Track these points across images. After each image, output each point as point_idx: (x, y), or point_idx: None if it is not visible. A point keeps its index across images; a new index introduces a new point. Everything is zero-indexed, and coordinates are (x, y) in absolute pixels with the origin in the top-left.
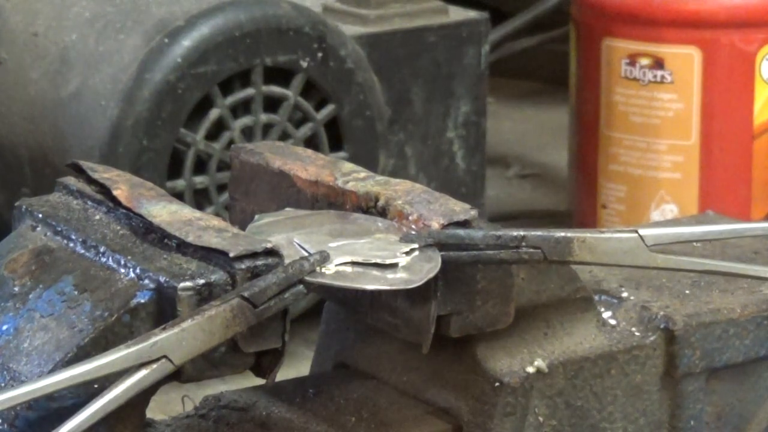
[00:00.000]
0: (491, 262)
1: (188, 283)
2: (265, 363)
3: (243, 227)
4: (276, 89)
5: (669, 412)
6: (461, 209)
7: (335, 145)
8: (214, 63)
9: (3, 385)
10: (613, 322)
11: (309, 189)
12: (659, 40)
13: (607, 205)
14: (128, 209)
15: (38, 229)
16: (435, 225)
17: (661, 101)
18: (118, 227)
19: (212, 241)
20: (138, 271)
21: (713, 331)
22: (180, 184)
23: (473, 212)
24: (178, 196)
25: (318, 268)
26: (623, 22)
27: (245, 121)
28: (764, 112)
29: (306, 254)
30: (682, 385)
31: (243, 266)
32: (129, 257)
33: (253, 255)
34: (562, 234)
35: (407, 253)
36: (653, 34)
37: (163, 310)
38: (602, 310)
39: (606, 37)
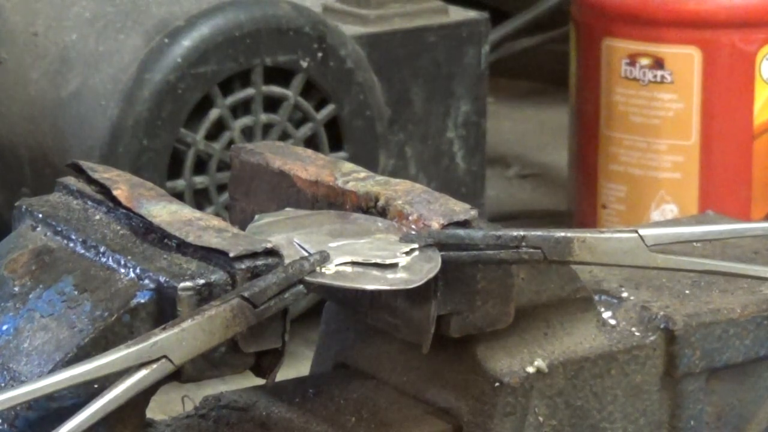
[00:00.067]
0: (491, 262)
1: (188, 283)
2: (265, 363)
3: (243, 227)
4: (276, 89)
5: (669, 412)
6: (461, 209)
7: (335, 145)
8: (214, 63)
9: (3, 385)
10: (613, 322)
11: (309, 189)
12: (659, 40)
13: (607, 205)
14: (128, 209)
15: (38, 229)
16: (435, 225)
17: (661, 101)
18: (118, 227)
19: (212, 241)
20: (138, 271)
21: (713, 331)
22: (180, 184)
23: (473, 212)
24: (178, 196)
25: (318, 268)
26: (623, 22)
27: (245, 121)
28: (764, 112)
29: (306, 254)
30: (682, 385)
31: (243, 266)
32: (129, 257)
33: (253, 255)
34: (562, 234)
35: (407, 253)
36: (653, 34)
37: (163, 310)
38: (602, 310)
39: (606, 37)
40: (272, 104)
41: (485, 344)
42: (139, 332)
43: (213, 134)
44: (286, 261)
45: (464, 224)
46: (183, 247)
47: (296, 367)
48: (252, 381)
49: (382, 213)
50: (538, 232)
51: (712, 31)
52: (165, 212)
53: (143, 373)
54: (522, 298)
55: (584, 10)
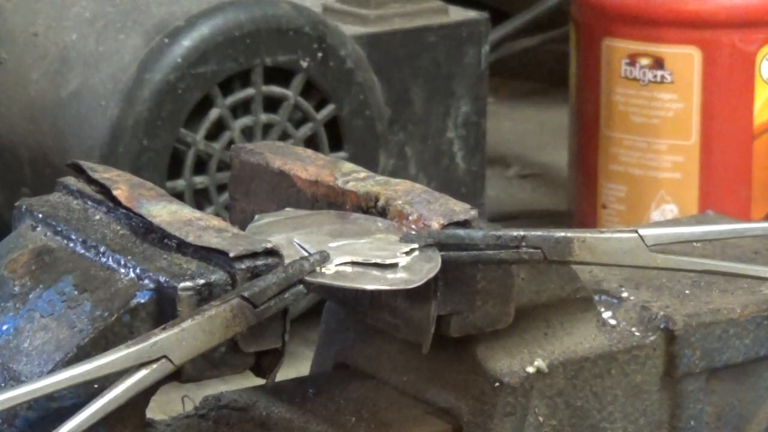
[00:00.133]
0: (491, 262)
1: (188, 283)
2: (265, 363)
3: (243, 227)
4: (276, 89)
5: (669, 412)
6: (461, 209)
7: (335, 145)
8: (214, 63)
9: (3, 385)
10: (613, 322)
11: (309, 189)
12: (659, 40)
13: (607, 205)
14: (128, 209)
15: (38, 229)
16: (435, 225)
17: (661, 101)
18: (118, 227)
19: (212, 241)
20: (138, 271)
21: (713, 331)
22: (180, 184)
23: (473, 212)
24: (178, 196)
25: (318, 268)
26: (623, 22)
27: (245, 121)
28: (764, 112)
29: (306, 254)
30: (682, 385)
31: (243, 266)
32: (129, 257)
33: (253, 255)
34: (562, 234)
35: (407, 253)
36: (653, 34)
37: (163, 310)
38: (602, 310)
39: (606, 37)
40: (272, 104)
41: (485, 344)
42: (139, 332)
43: (213, 134)
44: (286, 261)
45: (464, 224)
46: (183, 247)
47: (296, 367)
48: (252, 381)
49: (382, 213)
50: (538, 232)
51: (712, 31)
52: (165, 212)
53: (143, 373)
54: (522, 298)
55: (584, 10)
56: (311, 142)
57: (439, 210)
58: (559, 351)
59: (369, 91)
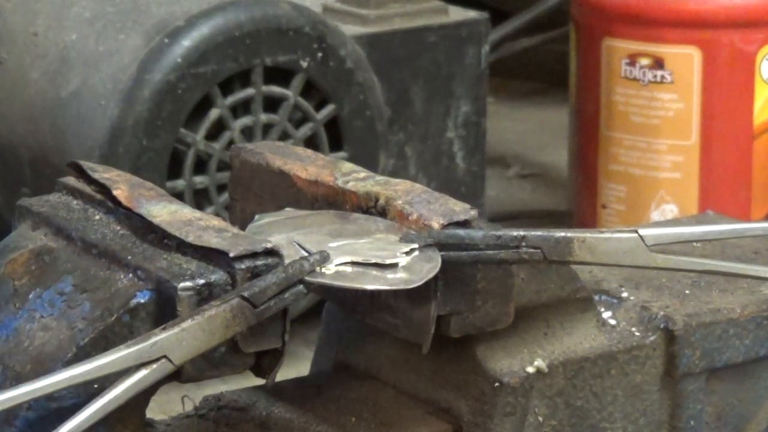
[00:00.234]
0: (491, 262)
1: (188, 283)
2: (265, 363)
3: (243, 227)
4: (276, 89)
5: (669, 412)
6: (461, 209)
7: (335, 145)
8: (214, 63)
9: (3, 385)
10: (613, 322)
11: (309, 189)
12: (659, 40)
13: (607, 205)
14: (128, 209)
15: (38, 229)
16: (435, 225)
17: (661, 101)
18: (118, 227)
19: (212, 241)
20: (138, 271)
21: (713, 331)
22: (180, 184)
23: (473, 212)
24: (178, 196)
25: (318, 268)
26: (623, 22)
27: (245, 121)
28: (764, 112)
29: (306, 254)
30: (682, 385)
31: (243, 266)
32: (129, 257)
33: (253, 255)
34: (562, 234)
35: (407, 253)
36: (653, 34)
37: (163, 310)
38: (602, 310)
39: (606, 37)
40: (272, 104)
41: (485, 344)
42: (139, 332)
43: (213, 134)
44: (286, 261)
45: (464, 224)
46: (183, 247)
47: (296, 367)
48: (252, 381)
49: (382, 213)
50: (538, 232)
51: (712, 31)
52: (165, 212)
53: (143, 373)
54: (522, 298)
55: (584, 10)
56: (311, 142)
57: (439, 210)
58: (559, 351)
59: (369, 91)
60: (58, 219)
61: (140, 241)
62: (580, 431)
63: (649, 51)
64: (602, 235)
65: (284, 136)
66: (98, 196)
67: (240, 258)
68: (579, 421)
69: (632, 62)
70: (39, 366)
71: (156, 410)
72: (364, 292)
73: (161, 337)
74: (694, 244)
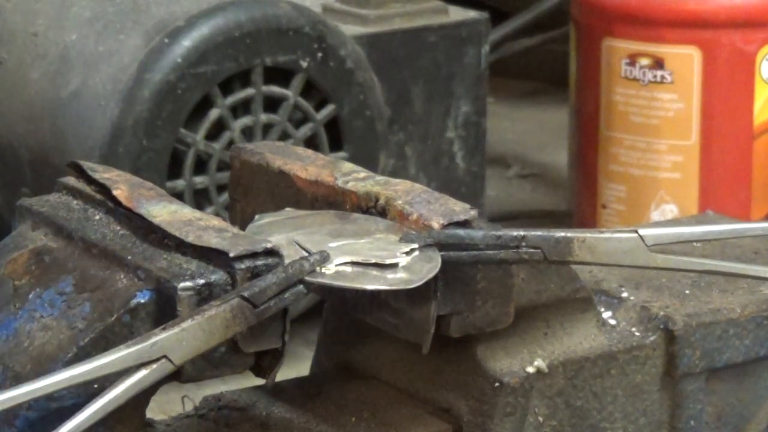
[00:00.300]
0: (491, 262)
1: (188, 283)
2: (265, 363)
3: (243, 227)
4: (276, 89)
5: (669, 412)
6: (461, 209)
7: (335, 145)
8: (214, 63)
9: (3, 385)
10: (613, 322)
11: (309, 189)
12: (659, 40)
13: (607, 205)
14: (128, 209)
15: (38, 229)
16: (435, 225)
17: (661, 101)
18: (118, 227)
19: (212, 241)
20: (138, 271)
21: (713, 331)
22: (180, 184)
23: (473, 212)
24: (178, 196)
25: (318, 268)
26: (623, 22)
27: (245, 121)
28: (764, 112)
29: (306, 254)
30: (682, 385)
31: (243, 266)
32: (129, 257)
33: (253, 255)
34: (562, 234)
35: (407, 253)
36: (653, 34)
37: (163, 310)
38: (602, 310)
39: (606, 37)
40: (272, 104)
41: (485, 344)
42: (139, 332)
43: (213, 134)
44: (286, 261)
45: (464, 224)
46: (183, 247)
47: (296, 367)
48: (252, 381)
49: (382, 213)
50: (538, 232)
51: (712, 31)
52: (165, 212)
53: (143, 373)
54: (522, 298)
55: (584, 10)
56: (311, 142)
57: (439, 210)
58: (559, 351)
59: (369, 91)
60: (58, 219)
61: (140, 241)
62: (580, 431)
63: (649, 51)
64: (602, 235)
65: (284, 136)
66: (98, 196)
67: (240, 258)
68: (579, 421)
69: (632, 62)
70: (39, 366)
71: (156, 410)
72: (364, 292)
73: (161, 337)
74: (694, 244)
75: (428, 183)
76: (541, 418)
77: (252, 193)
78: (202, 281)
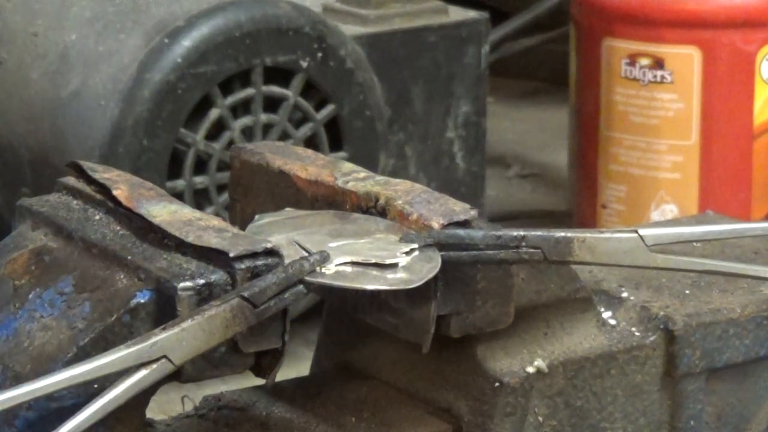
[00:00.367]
0: (491, 262)
1: (188, 283)
2: (265, 363)
3: (243, 227)
4: (276, 89)
5: (669, 412)
6: (461, 209)
7: (335, 145)
8: (214, 63)
9: (3, 385)
10: (613, 322)
11: (309, 189)
12: (659, 40)
13: (607, 205)
14: (128, 209)
15: (38, 229)
16: (435, 225)
17: (661, 101)
18: (118, 227)
19: (212, 241)
20: (138, 271)
21: (713, 331)
22: (180, 184)
23: (473, 212)
24: (178, 196)
25: (318, 268)
26: (623, 22)
27: (245, 121)
28: (764, 112)
29: (306, 254)
30: (682, 385)
31: (243, 266)
32: (129, 257)
33: (253, 255)
34: (562, 234)
35: (407, 253)
36: (653, 34)
37: (163, 310)
38: (602, 310)
39: (606, 37)
40: (272, 104)
41: (485, 344)
42: (139, 332)
43: (213, 134)
44: (286, 261)
45: (464, 224)
46: (183, 247)
47: (296, 367)
48: (252, 381)
49: (382, 213)
50: (538, 232)
51: (712, 31)
52: (165, 212)
53: (143, 373)
54: (522, 298)
55: (584, 10)
56: (311, 142)
57: (439, 210)
58: (559, 351)
59: (369, 91)
60: (58, 219)
61: (140, 241)
62: (580, 431)
63: (649, 51)
64: (602, 235)
65: (284, 136)
66: (98, 196)
67: (240, 258)
68: (579, 421)
69: (632, 62)
70: (39, 366)
71: (156, 410)
72: (364, 292)
73: (161, 337)
74: (694, 244)
75: (428, 183)
76: (541, 418)
77: (252, 193)
78: (202, 281)
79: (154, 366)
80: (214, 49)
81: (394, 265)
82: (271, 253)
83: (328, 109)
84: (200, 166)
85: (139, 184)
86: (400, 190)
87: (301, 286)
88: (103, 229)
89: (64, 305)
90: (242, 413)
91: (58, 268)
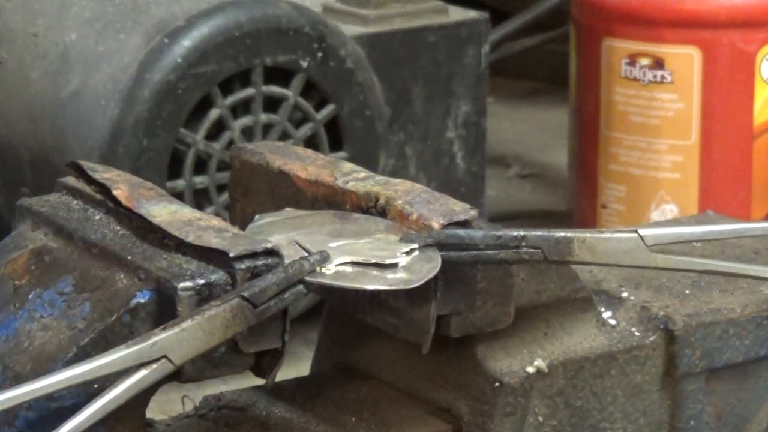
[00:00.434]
0: (491, 262)
1: (188, 283)
2: (265, 363)
3: (243, 227)
4: (276, 89)
5: (669, 412)
6: (461, 209)
7: (335, 145)
8: (214, 63)
9: (3, 384)
10: (613, 322)
11: (309, 189)
12: (659, 40)
13: (607, 205)
14: (128, 209)
15: (38, 229)
16: (435, 225)
17: (661, 101)
18: (118, 227)
19: (212, 241)
20: (138, 271)
21: (713, 331)
22: (180, 184)
23: (473, 212)
24: (178, 196)
25: (318, 268)
26: (623, 22)
27: (245, 121)
28: (764, 112)
29: (306, 254)
30: (682, 385)
31: (243, 266)
32: (129, 257)
33: (253, 255)
34: (562, 234)
35: (407, 253)
36: (653, 34)
37: (163, 310)
38: (602, 310)
39: (606, 37)
40: (272, 104)
41: (485, 344)
42: (139, 332)
43: (213, 134)
44: (286, 261)
45: (464, 224)
46: (183, 247)
47: (296, 367)
48: (252, 381)
49: (382, 213)
50: (538, 232)
51: (712, 31)
52: (165, 212)
53: (143, 373)
54: (522, 298)
55: (584, 10)
56: (311, 142)
57: (439, 210)
58: (559, 351)
59: (369, 91)
60: (58, 219)
61: (140, 241)
62: (580, 431)
63: (649, 51)
64: (602, 235)
65: (284, 136)
66: (98, 196)
67: (240, 258)
68: (579, 421)
69: (632, 62)
70: (39, 366)
71: (156, 410)
72: (364, 292)
73: (161, 337)
74: (694, 244)
75: (428, 183)
76: (541, 418)
77: (252, 193)
78: (202, 281)
79: (154, 366)
80: (214, 49)
81: (394, 265)
82: (271, 253)
83: (328, 109)
84: (200, 166)
85: (139, 184)
86: (400, 190)
87: (301, 286)
88: (103, 229)
89: (64, 305)
90: (242, 413)
91: (58, 268)
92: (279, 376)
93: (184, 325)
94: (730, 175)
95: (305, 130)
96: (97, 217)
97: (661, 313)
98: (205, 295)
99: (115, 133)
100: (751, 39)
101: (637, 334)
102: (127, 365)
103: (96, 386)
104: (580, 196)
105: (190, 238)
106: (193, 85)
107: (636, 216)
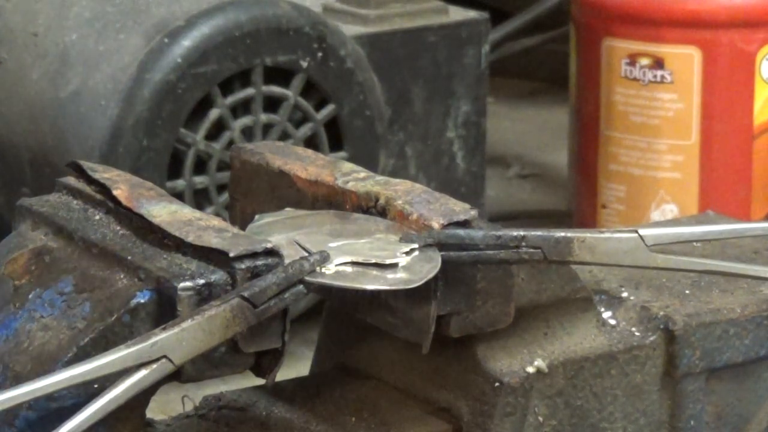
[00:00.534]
0: (491, 262)
1: (188, 283)
2: (265, 363)
3: (243, 227)
4: (276, 89)
5: (669, 412)
6: (461, 209)
7: (335, 145)
8: (214, 63)
9: (3, 384)
10: (613, 322)
11: (309, 189)
12: (659, 40)
13: (607, 205)
14: (128, 209)
15: (38, 229)
16: (435, 225)
17: (661, 101)
18: (118, 227)
19: (212, 241)
20: (138, 271)
21: (713, 331)
22: (180, 184)
23: (473, 212)
24: (178, 196)
25: (318, 268)
26: (623, 22)
27: (245, 121)
28: (764, 112)
29: (306, 254)
30: (682, 385)
31: (243, 266)
32: (129, 257)
33: (253, 255)
34: (562, 234)
35: (407, 253)
36: (653, 34)
37: (163, 310)
38: (602, 310)
39: (606, 37)
40: (272, 104)
41: (485, 344)
42: (139, 332)
43: (213, 134)
44: (286, 261)
45: (464, 224)
46: (183, 247)
47: (296, 367)
48: (252, 381)
49: (382, 213)
50: (538, 232)
51: (712, 31)
52: (165, 212)
53: (143, 373)
54: (522, 298)
55: (584, 10)
56: (311, 142)
57: (439, 210)
58: (559, 351)
59: (369, 91)
60: (58, 219)
61: (140, 241)
62: (580, 431)
63: (649, 51)
64: (602, 235)
65: (284, 136)
66: (98, 196)
67: (240, 258)
68: (579, 421)
69: (632, 62)
70: (39, 366)
71: (156, 410)
72: (364, 292)
73: (161, 337)
74: (694, 244)
75: (428, 183)
76: (541, 418)
77: (252, 193)
78: (202, 281)
79: (154, 366)
80: (214, 49)
81: (394, 265)
82: (271, 253)
83: (328, 109)
84: (200, 166)
85: (139, 184)
86: (400, 190)
87: (301, 286)
88: (103, 229)
89: (64, 305)
90: (242, 413)
91: (58, 268)
92: (279, 376)
93: (184, 325)
94: (730, 175)
95: (305, 130)
96: (97, 217)
97: (661, 313)
98: (205, 295)
99: (115, 133)
100: (751, 39)
101: (637, 334)
102: (127, 365)
103: (96, 386)
104: (580, 196)
105: (190, 238)
106: (193, 85)
107: (636, 216)
